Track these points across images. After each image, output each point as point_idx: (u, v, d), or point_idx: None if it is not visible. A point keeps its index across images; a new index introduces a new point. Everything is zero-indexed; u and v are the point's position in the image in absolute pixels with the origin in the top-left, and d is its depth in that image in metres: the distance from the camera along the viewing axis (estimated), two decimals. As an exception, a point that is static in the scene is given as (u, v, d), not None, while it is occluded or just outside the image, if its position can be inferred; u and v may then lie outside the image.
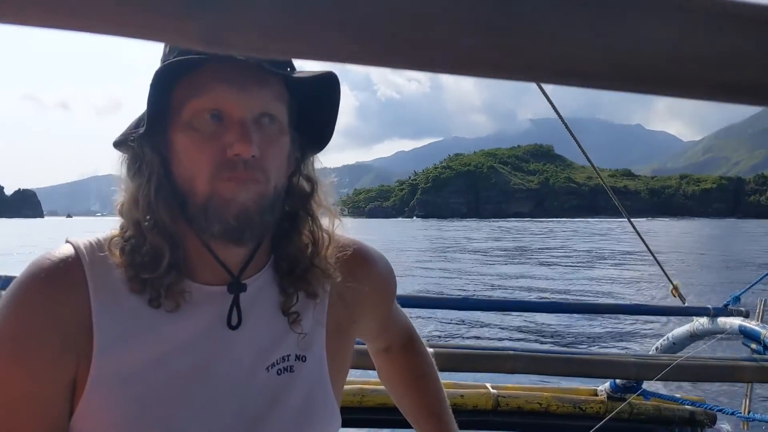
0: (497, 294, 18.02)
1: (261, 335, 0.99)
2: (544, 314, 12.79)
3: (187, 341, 0.94)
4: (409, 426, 1.43)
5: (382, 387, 2.81)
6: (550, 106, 2.61)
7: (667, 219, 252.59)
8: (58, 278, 0.90)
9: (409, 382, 1.35)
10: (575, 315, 12.60)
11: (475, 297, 4.05)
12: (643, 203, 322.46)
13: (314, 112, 0.98)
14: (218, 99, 0.88)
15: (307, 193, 1.02)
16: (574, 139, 2.85)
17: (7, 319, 0.88)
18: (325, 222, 1.05)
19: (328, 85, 0.95)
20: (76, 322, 0.89)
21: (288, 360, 1.01)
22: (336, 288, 1.06)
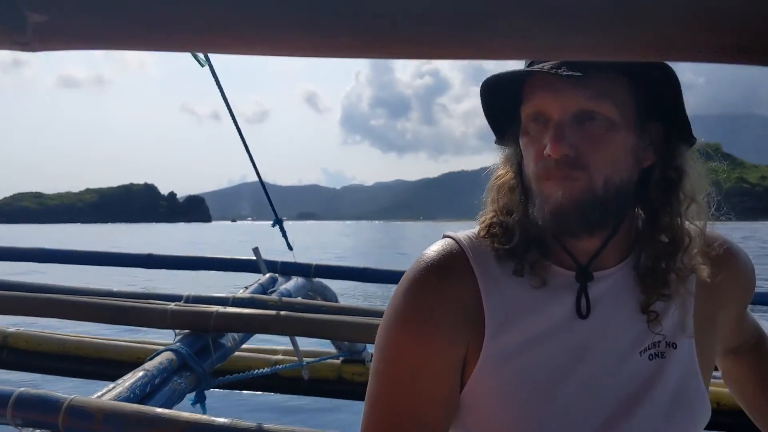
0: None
1: (625, 324, 1.02)
2: None
3: (560, 322, 1.00)
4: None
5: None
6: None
7: None
8: (449, 269, 1.01)
9: (762, 384, 1.30)
10: None
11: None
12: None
13: (662, 100, 0.96)
14: (538, 104, 0.95)
15: (669, 186, 1.00)
16: None
17: (409, 305, 1.00)
18: (694, 216, 1.01)
19: (659, 69, 0.93)
20: (468, 308, 0.99)
21: (659, 346, 1.02)
22: (704, 279, 1.04)
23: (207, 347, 2.34)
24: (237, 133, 2.83)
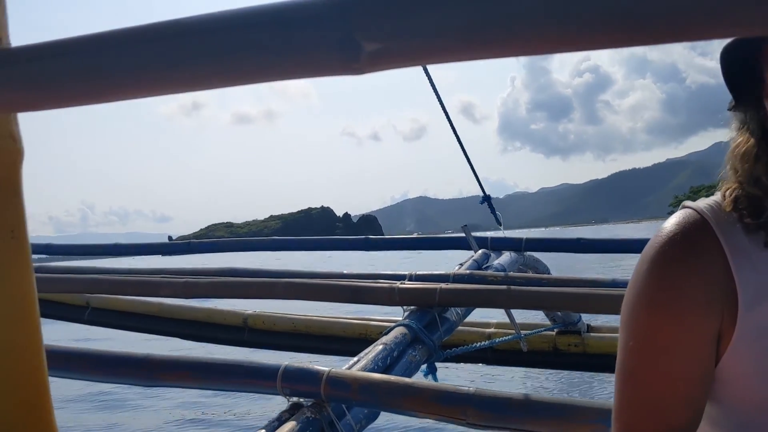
0: None
1: None
2: None
3: None
4: None
5: None
6: None
7: None
8: (693, 242, 0.96)
9: None
10: None
11: None
12: None
13: None
14: None
15: None
16: None
17: (655, 283, 0.97)
18: None
19: None
20: (718, 281, 0.94)
21: None
22: None
23: (434, 322, 2.48)
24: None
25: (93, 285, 3.02)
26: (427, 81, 2.85)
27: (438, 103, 2.86)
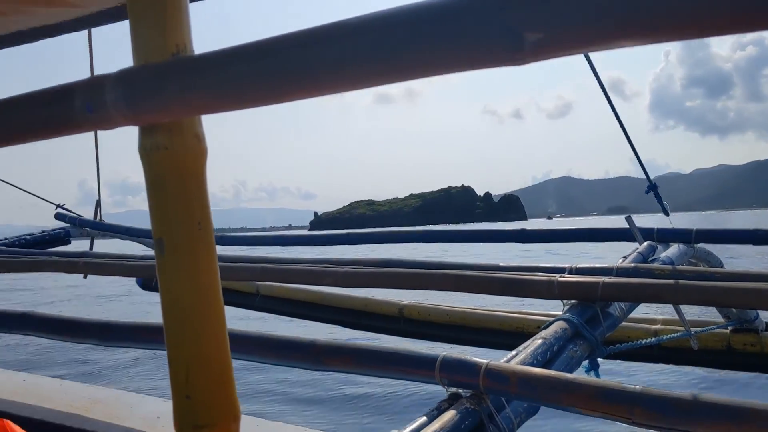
0: None
1: None
2: None
3: None
4: None
5: None
6: None
7: None
8: None
9: None
10: None
11: None
12: None
13: None
14: None
15: None
16: None
17: None
18: None
19: None
20: None
21: None
22: None
23: (596, 317, 2.38)
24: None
25: (263, 273, 3.21)
26: (585, 62, 2.73)
27: (599, 87, 2.74)
